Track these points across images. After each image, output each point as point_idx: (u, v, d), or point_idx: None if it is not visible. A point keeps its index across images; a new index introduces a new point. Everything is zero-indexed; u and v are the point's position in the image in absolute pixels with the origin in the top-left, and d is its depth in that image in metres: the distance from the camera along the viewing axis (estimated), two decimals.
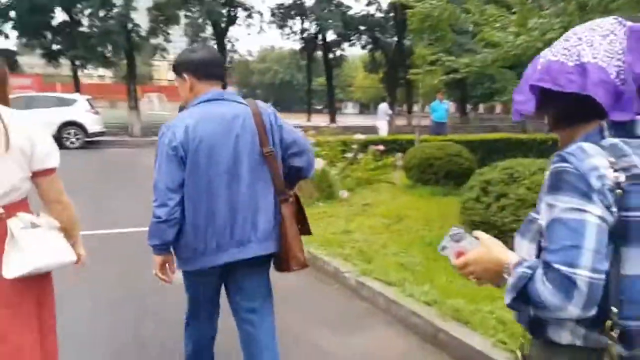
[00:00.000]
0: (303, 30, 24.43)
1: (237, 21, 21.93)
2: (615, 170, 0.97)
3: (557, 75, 1.05)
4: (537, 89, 1.10)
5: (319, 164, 6.61)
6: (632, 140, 1.02)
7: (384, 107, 18.41)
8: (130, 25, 17.98)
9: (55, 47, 18.55)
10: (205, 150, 2.00)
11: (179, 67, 2.16)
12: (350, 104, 69.82)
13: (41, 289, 1.79)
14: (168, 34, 21.71)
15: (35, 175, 1.73)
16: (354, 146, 8.49)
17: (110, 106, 29.79)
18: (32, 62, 27.60)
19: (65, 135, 14.70)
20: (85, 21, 18.46)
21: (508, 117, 45.17)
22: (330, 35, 24.15)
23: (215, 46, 22.94)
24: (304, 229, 2.33)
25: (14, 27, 17.82)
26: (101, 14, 17.23)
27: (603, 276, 0.94)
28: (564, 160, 1.00)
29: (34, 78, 18.35)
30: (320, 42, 24.55)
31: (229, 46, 24.64)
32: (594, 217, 0.95)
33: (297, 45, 25.90)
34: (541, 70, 1.09)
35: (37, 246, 1.65)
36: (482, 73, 7.27)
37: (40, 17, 17.54)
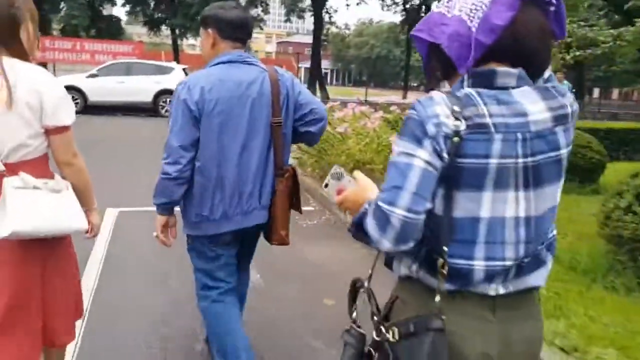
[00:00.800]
0: (406, 1, 22.97)
1: None
2: (457, 119, 0.99)
3: (433, 26, 1.09)
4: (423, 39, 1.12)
5: None
6: (487, 91, 1.03)
7: None
8: None
9: (157, 15, 18.86)
10: (221, 115, 1.99)
11: (207, 20, 2.12)
12: (447, 81, 66.71)
13: (48, 253, 1.70)
14: (267, 4, 21.43)
15: (47, 132, 1.64)
16: None
17: None
18: (140, 31, 28.79)
19: (161, 103, 14.86)
20: None
21: (628, 104, 40.17)
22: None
23: (312, 17, 22.33)
24: (295, 205, 2.28)
25: None
26: None
27: (419, 216, 0.99)
28: (413, 107, 1.04)
29: (136, 45, 18.73)
30: (423, 14, 22.98)
31: (326, 17, 23.89)
32: (421, 161, 0.99)
33: (398, 18, 24.48)
34: (424, 21, 1.13)
35: (23, 209, 1.55)
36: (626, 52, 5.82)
37: None
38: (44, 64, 17.78)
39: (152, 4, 19.07)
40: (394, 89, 53.36)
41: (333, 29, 27.31)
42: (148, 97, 14.72)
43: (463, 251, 1.05)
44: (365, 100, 23.17)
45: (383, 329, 1.09)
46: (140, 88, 14.50)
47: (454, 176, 1.01)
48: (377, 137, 5.71)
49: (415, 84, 61.40)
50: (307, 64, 31.77)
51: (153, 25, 19.54)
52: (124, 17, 24.97)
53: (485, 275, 1.06)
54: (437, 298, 1.06)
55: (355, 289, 1.28)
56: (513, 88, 1.04)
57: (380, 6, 23.07)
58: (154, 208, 2.14)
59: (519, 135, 1.01)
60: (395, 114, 7.49)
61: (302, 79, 31.59)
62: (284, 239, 2.23)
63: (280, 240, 2.23)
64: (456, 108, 1.00)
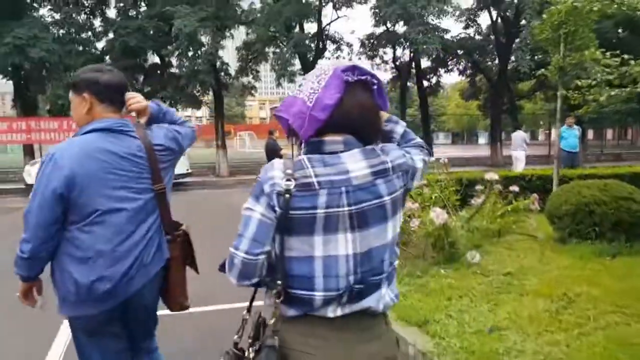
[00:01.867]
0: (395, 59, 22.91)
1: (325, 54, 20.95)
2: (289, 180, 1.26)
3: (288, 107, 1.37)
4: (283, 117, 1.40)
5: (435, 214, 4.85)
6: (318, 156, 1.31)
7: (520, 135, 14.49)
8: (218, 64, 17.58)
9: (146, 89, 18.55)
10: (90, 193, 1.91)
11: (80, 84, 2.04)
12: (442, 134, 67.14)
13: None
14: (257, 72, 21.28)
15: None
16: (479, 187, 6.59)
17: (205, 146, 30.03)
18: None
19: None
20: (175, 62, 18.37)
21: (623, 144, 39.95)
22: (425, 62, 22.43)
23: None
24: (192, 265, 2.27)
25: None
26: (190, 54, 16.91)
27: (257, 257, 1.28)
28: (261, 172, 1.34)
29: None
30: (415, 70, 22.89)
31: None
32: (258, 214, 1.28)
33: (388, 76, 24.37)
34: (283, 101, 1.41)
35: None
36: None
37: (132, 60, 17.68)
38: (30, 146, 17.20)
39: (140, 78, 18.78)
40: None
41: None
42: None
43: (303, 284, 1.30)
44: None
45: (249, 349, 1.36)
46: None
47: (287, 225, 1.27)
48: None
49: None
50: None
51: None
52: None
53: (324, 302, 1.30)
54: (272, 321, 1.30)
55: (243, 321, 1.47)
56: (342, 152, 1.33)
57: (370, 65, 22.96)
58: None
59: (343, 189, 1.28)
60: None
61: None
62: (185, 306, 2.22)
63: (181, 307, 2.21)
64: (289, 171, 1.28)
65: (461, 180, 8.03)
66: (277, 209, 1.26)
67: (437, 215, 4.64)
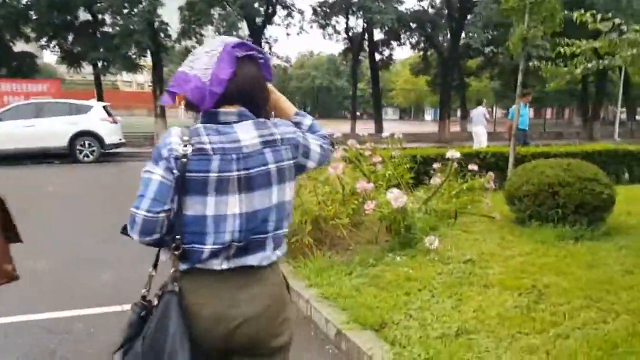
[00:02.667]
0: (348, 29, 22.15)
1: (275, 20, 19.89)
2: (185, 146, 1.39)
3: (182, 83, 1.47)
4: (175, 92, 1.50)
5: (393, 196, 4.30)
6: (212, 125, 1.45)
7: (480, 111, 13.84)
8: (156, 24, 16.22)
9: (76, 49, 16.92)
10: None
11: None
12: (390, 109, 67.49)
13: None
14: (201, 35, 19.96)
15: None
16: (437, 165, 6.11)
17: (148, 114, 28.27)
18: (62, 69, 26.47)
19: (79, 147, 12.89)
20: (108, 20, 16.81)
21: (561, 123, 41.33)
22: (378, 35, 21.82)
23: None
24: (14, 237, 1.98)
25: (33, 29, 16.36)
26: (125, 11, 15.45)
27: (157, 215, 1.38)
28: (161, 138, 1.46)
29: (51, 83, 16.66)
30: (367, 42, 22.24)
31: (266, 48, 22.67)
32: (158, 175, 1.39)
33: (340, 47, 23.62)
34: (174, 78, 1.50)
35: None
36: None
37: (60, 16, 15.99)
38: None
39: (70, 37, 17.09)
40: (337, 118, 52.70)
41: (275, 60, 26.15)
42: (63, 141, 12.70)
43: (195, 238, 1.42)
44: None
45: (153, 299, 1.48)
46: (52, 131, 12.49)
47: (183, 186, 1.39)
48: (340, 182, 4.26)
49: (358, 113, 61.28)
50: None
51: (72, 60, 17.51)
52: (49, 56, 22.87)
53: (211, 255, 1.43)
54: (172, 270, 1.44)
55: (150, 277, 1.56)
56: (236, 122, 1.46)
57: (322, 35, 22.09)
58: None
59: (234, 156, 1.42)
60: (353, 151, 6.05)
61: None
62: (11, 274, 1.94)
63: (7, 276, 1.91)
64: (185, 138, 1.41)
65: (415, 157, 7.57)
66: (174, 171, 1.39)
67: (396, 197, 4.09)
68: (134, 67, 18.28)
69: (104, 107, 13.67)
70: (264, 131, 1.47)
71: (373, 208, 4.28)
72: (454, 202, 5.73)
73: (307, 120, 1.69)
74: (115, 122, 13.91)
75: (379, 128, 22.22)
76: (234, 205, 1.42)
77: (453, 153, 5.11)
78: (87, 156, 13.06)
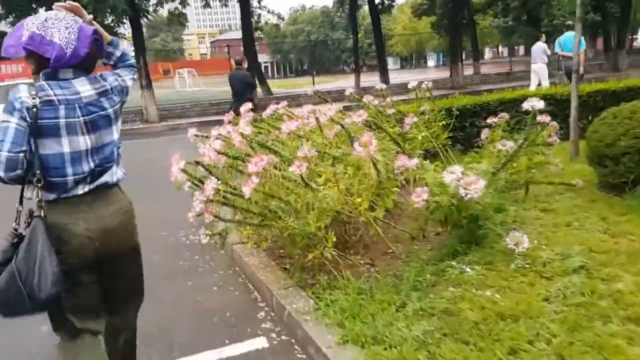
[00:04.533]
0: None
1: None
2: (34, 99, 1.73)
3: (39, 45, 1.78)
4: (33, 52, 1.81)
5: (453, 177, 2.84)
6: (53, 82, 1.80)
7: (540, 46, 11.97)
8: None
9: None
10: None
11: None
12: (390, 59, 64.81)
13: None
14: None
15: None
16: (493, 120, 4.60)
17: (136, 88, 26.56)
18: None
19: None
20: None
21: (499, 61, 38.00)
22: None
23: (238, 4, 19.13)
24: None
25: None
26: None
27: (17, 155, 1.71)
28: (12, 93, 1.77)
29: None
30: None
31: (255, 2, 20.74)
32: (13, 124, 1.71)
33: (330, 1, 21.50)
34: (29, 36, 1.78)
35: None
36: None
37: None
38: None
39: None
40: (335, 73, 50.48)
41: (265, 15, 24.22)
42: None
43: (57, 172, 1.80)
44: (315, 91, 20.41)
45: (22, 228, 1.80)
46: None
47: (39, 131, 1.74)
48: (374, 165, 2.79)
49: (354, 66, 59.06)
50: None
51: None
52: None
53: (74, 183, 1.83)
54: (36, 200, 1.77)
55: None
56: (72, 79, 1.84)
57: None
58: None
59: (76, 105, 1.81)
60: (371, 109, 4.54)
61: None
62: None
63: None
64: (33, 92, 1.74)
65: (450, 110, 6.04)
66: (27, 119, 1.72)
67: (468, 183, 2.63)
68: (114, 36, 16.43)
69: None
70: (96, 85, 1.88)
71: (425, 199, 2.83)
72: (524, 171, 4.24)
73: (118, 52, 2.07)
74: None
75: (385, 79, 20.44)
76: (84, 143, 1.83)
77: (533, 102, 3.59)
78: None
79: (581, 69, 10.68)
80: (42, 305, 1.74)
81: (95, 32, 1.89)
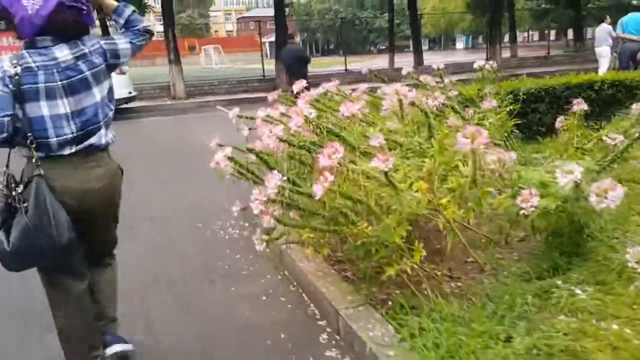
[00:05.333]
0: None
1: None
2: (15, 67, 1.85)
3: (14, 2, 1.89)
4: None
5: (570, 179, 2.26)
6: (34, 50, 1.91)
7: (605, 28, 11.17)
8: None
9: None
10: None
11: None
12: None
13: None
14: None
15: None
16: (578, 106, 3.97)
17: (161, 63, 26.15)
18: None
19: None
20: None
21: (531, 45, 35.51)
22: None
23: None
24: None
25: None
26: None
27: (3, 118, 1.83)
28: None
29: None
30: None
31: None
32: None
33: None
34: None
35: None
36: None
37: None
38: None
39: None
40: (363, 54, 49.24)
41: None
42: None
43: (42, 134, 1.91)
44: (346, 70, 19.67)
45: (18, 187, 1.91)
46: None
47: (21, 96, 1.86)
48: (479, 161, 2.23)
49: (383, 47, 57.88)
50: (272, 38, 27.91)
51: None
52: None
53: (59, 145, 1.93)
54: (33, 160, 1.90)
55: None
56: (52, 46, 1.93)
57: None
58: None
59: (55, 70, 1.90)
60: (430, 90, 3.94)
61: (269, 54, 27.70)
62: None
63: None
64: (14, 61, 1.87)
65: (516, 94, 5.39)
66: (10, 86, 1.84)
67: (606, 188, 2.05)
68: (141, 7, 15.99)
69: None
70: (74, 49, 1.96)
71: (535, 204, 2.26)
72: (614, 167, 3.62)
73: (121, 19, 2.16)
74: (122, 72, 11.97)
75: (419, 60, 19.63)
76: (63, 106, 1.93)
77: None
78: None
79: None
80: (64, 249, 1.92)
81: None
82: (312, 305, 2.76)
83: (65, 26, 1.93)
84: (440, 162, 2.40)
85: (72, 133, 1.94)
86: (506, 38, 24.82)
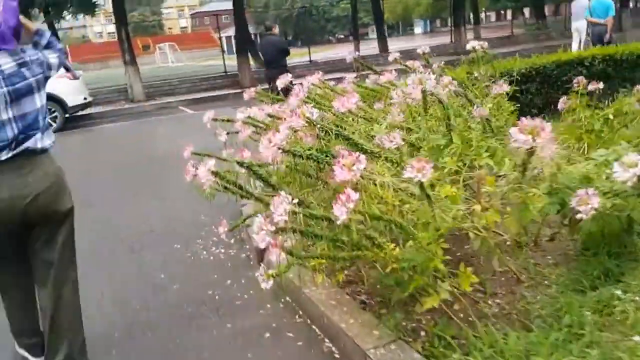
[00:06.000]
0: None
1: None
2: None
3: None
4: None
5: (626, 172, 1.89)
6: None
7: (583, 3, 10.98)
8: None
9: None
10: None
11: None
12: (375, 27, 62.94)
13: None
14: None
15: None
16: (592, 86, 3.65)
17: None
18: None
19: None
20: None
21: (519, 23, 35.18)
22: None
23: None
24: None
25: None
26: None
27: None
28: None
29: None
30: None
31: None
32: None
33: None
34: None
35: None
36: None
37: None
38: None
39: None
40: (321, 44, 48.65)
41: None
42: None
43: None
44: (310, 61, 19.14)
45: None
46: None
47: None
48: (519, 157, 1.81)
49: (342, 36, 57.46)
50: (229, 33, 27.02)
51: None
52: None
53: None
54: None
55: None
56: None
57: None
58: None
59: (0, 77, 1.91)
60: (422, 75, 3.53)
61: (226, 49, 26.90)
62: None
63: None
64: None
65: (511, 75, 5.03)
66: None
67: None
68: (90, 7, 15.01)
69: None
70: (16, 57, 1.99)
71: (595, 206, 1.88)
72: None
73: (44, 40, 2.24)
74: (75, 77, 11.19)
75: (384, 47, 19.32)
76: (8, 111, 1.93)
77: None
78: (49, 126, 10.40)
79: (607, 36, 9.97)
80: None
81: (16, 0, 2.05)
82: (326, 340, 2.31)
83: (15, 34, 2.04)
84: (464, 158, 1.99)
85: (12, 137, 1.95)
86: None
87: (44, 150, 2.04)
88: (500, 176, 2.30)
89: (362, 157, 1.63)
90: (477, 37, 21.59)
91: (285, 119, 2.37)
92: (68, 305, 2.14)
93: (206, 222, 3.90)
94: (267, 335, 2.42)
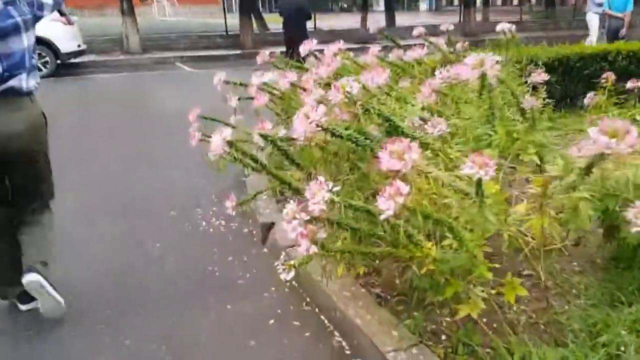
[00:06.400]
0: None
1: None
2: None
3: None
4: None
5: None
6: None
7: None
8: None
9: None
10: None
11: None
12: (381, 1, 61.70)
13: None
14: None
15: None
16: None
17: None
18: None
19: None
20: None
21: (508, 10, 34.50)
22: None
23: None
24: None
25: None
26: None
27: None
28: None
29: None
30: None
31: None
32: None
33: None
34: None
35: None
36: None
37: None
38: None
39: None
40: (325, 12, 47.66)
41: None
42: None
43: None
44: (315, 28, 18.55)
45: None
46: None
47: None
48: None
49: (346, 5, 56.38)
50: None
51: None
52: None
53: None
54: None
55: None
56: None
57: None
58: None
59: None
60: (448, 55, 3.33)
61: (226, 8, 26.11)
62: None
63: None
64: None
65: (536, 63, 4.81)
66: None
67: None
68: None
69: None
70: None
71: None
72: None
73: None
74: (70, 22, 10.63)
75: (391, 21, 18.84)
76: None
77: None
78: (39, 70, 9.94)
79: (623, 31, 9.69)
80: None
81: None
82: (337, 334, 2.15)
83: None
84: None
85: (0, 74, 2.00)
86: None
87: (29, 93, 2.13)
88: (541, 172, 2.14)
89: (415, 145, 1.42)
90: (486, 20, 21.17)
91: (310, 90, 2.16)
92: (49, 230, 2.32)
93: (206, 189, 3.69)
94: (272, 322, 2.25)
